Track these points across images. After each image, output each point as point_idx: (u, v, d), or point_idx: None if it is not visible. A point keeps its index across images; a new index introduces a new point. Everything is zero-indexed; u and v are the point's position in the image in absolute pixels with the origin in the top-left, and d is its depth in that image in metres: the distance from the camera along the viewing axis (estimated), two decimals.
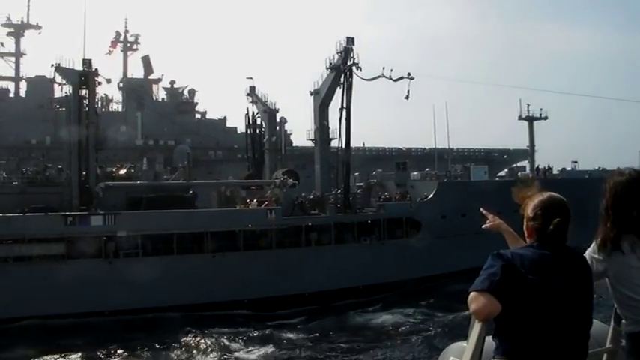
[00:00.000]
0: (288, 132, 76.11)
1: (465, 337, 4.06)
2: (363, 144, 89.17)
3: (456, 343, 4.59)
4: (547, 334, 3.81)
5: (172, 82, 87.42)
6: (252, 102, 59.71)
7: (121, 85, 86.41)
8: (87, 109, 44.08)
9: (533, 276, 3.80)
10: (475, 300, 3.70)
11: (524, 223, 4.17)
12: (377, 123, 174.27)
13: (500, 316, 3.72)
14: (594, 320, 4.27)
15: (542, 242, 4.02)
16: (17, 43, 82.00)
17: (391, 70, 48.57)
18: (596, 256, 4.48)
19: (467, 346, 3.85)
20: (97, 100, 65.92)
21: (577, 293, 3.96)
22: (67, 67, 44.20)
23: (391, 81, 48.38)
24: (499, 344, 3.94)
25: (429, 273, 47.16)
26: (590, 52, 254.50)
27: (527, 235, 4.17)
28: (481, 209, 5.04)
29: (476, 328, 3.79)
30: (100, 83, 46.99)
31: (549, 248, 3.98)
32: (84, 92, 44.03)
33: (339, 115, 49.26)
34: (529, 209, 4.15)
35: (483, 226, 4.87)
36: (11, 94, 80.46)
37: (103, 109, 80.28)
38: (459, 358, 4.39)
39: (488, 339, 3.91)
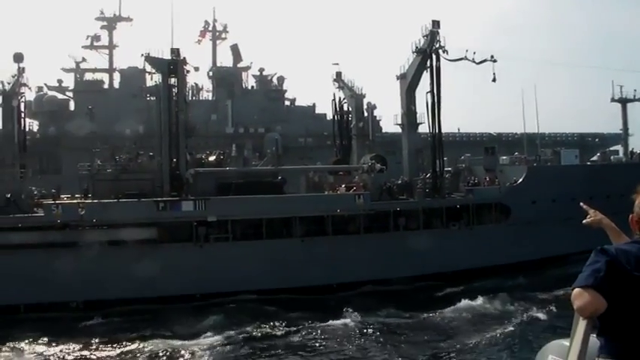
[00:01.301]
0: (378, 118, 75.78)
1: (564, 334, 3.99)
2: (458, 129, 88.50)
3: (556, 341, 4.46)
4: None
5: (261, 70, 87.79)
6: (338, 88, 59.36)
7: (211, 74, 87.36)
8: (176, 97, 44.92)
9: (639, 273, 3.65)
10: (579, 296, 3.60)
11: (630, 215, 4.02)
12: (465, 107, 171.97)
13: (605, 314, 3.59)
14: None
15: None
16: (110, 36, 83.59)
17: (474, 53, 48.13)
18: None
19: (572, 345, 3.73)
20: (187, 89, 67.26)
21: None
22: (156, 56, 45.09)
23: (474, 64, 47.96)
24: (604, 343, 3.80)
25: (518, 259, 46.35)
26: None
27: (631, 227, 4.03)
28: (581, 203, 4.93)
29: (580, 326, 3.67)
30: (188, 72, 47.78)
31: None
32: (173, 81, 44.83)
33: (425, 99, 48.98)
34: (636, 202, 4.01)
35: (584, 222, 4.72)
36: (105, 86, 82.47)
37: (194, 98, 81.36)
38: (559, 356, 4.28)
39: (592, 337, 3.76)
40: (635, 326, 3.65)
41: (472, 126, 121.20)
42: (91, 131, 60.51)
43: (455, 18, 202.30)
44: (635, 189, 4.06)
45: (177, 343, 32.21)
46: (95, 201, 41.01)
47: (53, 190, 43.68)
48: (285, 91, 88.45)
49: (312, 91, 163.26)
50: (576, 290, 3.62)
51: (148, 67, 47.01)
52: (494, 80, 48.39)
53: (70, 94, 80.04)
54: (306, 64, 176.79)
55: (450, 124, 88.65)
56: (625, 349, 3.69)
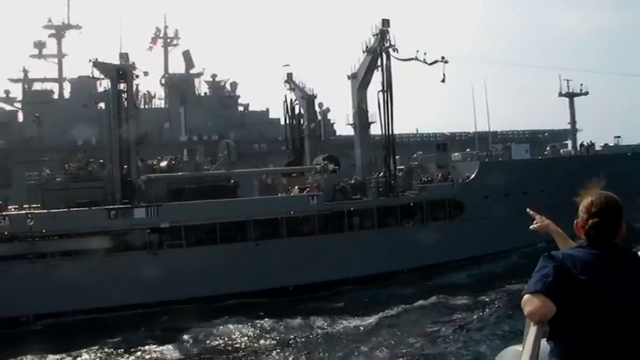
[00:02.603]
0: (332, 121, 75.91)
1: (518, 340, 4.11)
2: (417, 130, 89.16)
3: (511, 347, 4.57)
4: (602, 336, 3.76)
5: (214, 76, 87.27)
6: (290, 89, 59.51)
7: (163, 81, 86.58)
8: (126, 102, 44.39)
9: (586, 277, 3.79)
10: (529, 302, 3.74)
11: (575, 220, 4.15)
12: (425, 109, 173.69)
13: (554, 318, 3.74)
14: None
15: (592, 242, 4.00)
16: (59, 44, 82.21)
17: (425, 54, 48.34)
18: None
19: (524, 350, 3.82)
20: (139, 97, 66.59)
21: (631, 293, 3.86)
22: (105, 61, 44.55)
23: (426, 65, 48.18)
24: (554, 347, 3.93)
25: (474, 254, 46.91)
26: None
27: (576, 232, 4.15)
28: (528, 209, 5.10)
29: (531, 330, 3.79)
30: (137, 76, 47.29)
31: (600, 248, 3.95)
32: (122, 86, 44.31)
33: (377, 99, 49.05)
34: (580, 207, 4.12)
35: (531, 227, 4.93)
36: (55, 96, 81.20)
37: (146, 106, 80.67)
38: None
39: (543, 342, 3.90)
40: (581, 329, 3.78)
41: (432, 127, 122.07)
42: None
43: (405, 20, 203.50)
44: (580, 191, 4.19)
45: (132, 352, 31.77)
46: (44, 211, 40.20)
47: (0, 202, 42.69)
48: (239, 96, 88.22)
49: (266, 96, 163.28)
50: (526, 296, 3.76)
51: (97, 73, 46.43)
52: (443, 81, 48.81)
53: (19, 104, 78.75)
54: (259, 69, 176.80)
55: (408, 126, 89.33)
56: (573, 351, 3.82)
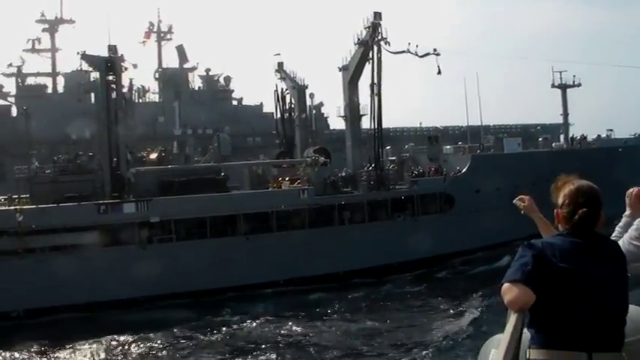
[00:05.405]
0: (325, 115, 75.83)
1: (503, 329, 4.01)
2: (420, 124, 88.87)
3: (498, 335, 4.50)
4: (581, 322, 3.83)
5: (208, 70, 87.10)
6: (280, 78, 59.29)
7: (157, 75, 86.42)
8: (115, 94, 44.16)
9: (565, 264, 3.84)
10: (509, 291, 3.76)
11: (555, 210, 4.20)
12: (411, 101, 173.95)
13: (534, 306, 3.77)
14: (634, 306, 4.32)
15: (572, 230, 4.05)
16: (52, 39, 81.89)
17: (416, 46, 48.14)
18: (634, 242, 4.69)
19: (503, 338, 3.85)
20: (134, 90, 66.23)
21: (610, 280, 3.95)
22: (93, 54, 44.36)
23: (417, 57, 47.99)
24: (534, 334, 3.98)
25: (464, 248, 46.91)
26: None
27: (556, 222, 4.22)
28: (514, 202, 5.14)
29: (512, 319, 3.81)
30: (126, 69, 47.08)
31: (580, 236, 4.00)
32: (111, 78, 44.12)
33: (369, 91, 48.90)
34: (559, 196, 4.16)
35: (514, 201, 5.08)
36: (49, 90, 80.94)
37: (140, 100, 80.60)
38: None
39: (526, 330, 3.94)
40: (560, 316, 3.84)
41: (433, 121, 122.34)
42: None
43: (395, 14, 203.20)
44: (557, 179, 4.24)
45: (120, 346, 31.67)
46: (33, 206, 39.86)
47: None
48: (232, 91, 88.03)
49: (259, 90, 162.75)
50: (505, 285, 3.78)
51: (87, 66, 46.25)
52: (439, 73, 48.75)
53: (12, 99, 78.45)
54: (252, 63, 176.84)
55: (412, 119, 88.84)
56: (552, 338, 3.87)
